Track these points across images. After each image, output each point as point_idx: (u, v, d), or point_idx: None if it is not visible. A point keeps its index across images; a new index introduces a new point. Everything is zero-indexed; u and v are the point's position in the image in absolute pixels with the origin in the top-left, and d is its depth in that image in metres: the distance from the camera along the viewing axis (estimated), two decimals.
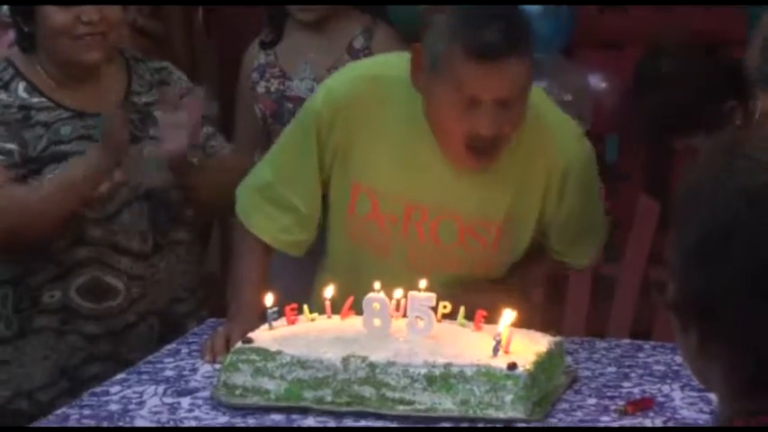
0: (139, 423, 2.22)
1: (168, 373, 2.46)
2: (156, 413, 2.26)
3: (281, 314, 2.41)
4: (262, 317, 2.45)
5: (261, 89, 3.41)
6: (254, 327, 2.44)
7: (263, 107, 3.41)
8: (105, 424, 2.22)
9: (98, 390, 2.38)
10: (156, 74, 2.82)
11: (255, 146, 3.46)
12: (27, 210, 2.60)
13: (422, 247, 2.54)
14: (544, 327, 2.51)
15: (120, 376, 2.45)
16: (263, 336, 2.34)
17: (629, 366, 2.47)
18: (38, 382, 2.70)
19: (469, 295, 2.45)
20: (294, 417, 2.22)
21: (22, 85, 2.69)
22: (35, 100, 2.69)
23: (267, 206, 2.60)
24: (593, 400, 2.30)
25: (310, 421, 2.20)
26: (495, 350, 2.22)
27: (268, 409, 2.24)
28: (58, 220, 2.63)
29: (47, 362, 2.70)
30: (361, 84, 2.54)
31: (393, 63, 2.55)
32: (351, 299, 2.41)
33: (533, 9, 4.10)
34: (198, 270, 2.90)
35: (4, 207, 2.58)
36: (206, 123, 2.84)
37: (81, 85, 2.72)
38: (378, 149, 2.51)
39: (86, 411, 2.28)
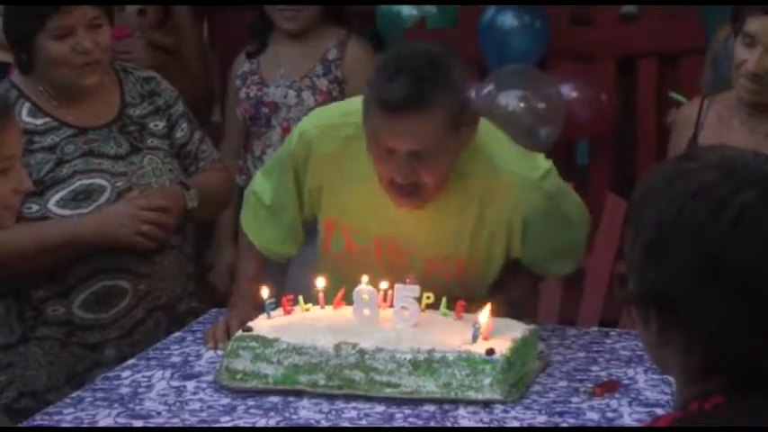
0: (148, 405, 2.22)
1: (175, 358, 2.46)
2: (163, 395, 2.27)
3: (278, 305, 2.41)
4: (258, 306, 2.46)
5: (242, 94, 3.44)
6: (250, 315, 2.45)
7: (243, 111, 3.44)
8: (117, 406, 2.22)
9: (110, 374, 2.39)
10: (146, 84, 2.77)
11: (240, 147, 3.49)
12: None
13: (398, 270, 2.42)
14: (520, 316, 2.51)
15: (130, 362, 2.45)
16: (261, 324, 2.34)
17: (597, 352, 2.47)
18: (43, 384, 2.64)
19: None
20: (290, 399, 2.22)
21: (26, 108, 2.64)
22: (39, 121, 2.63)
23: (262, 214, 2.60)
24: (564, 383, 2.30)
25: (305, 403, 2.21)
26: (475, 337, 2.23)
27: (266, 392, 2.24)
28: (42, 268, 2.58)
29: (51, 367, 2.64)
30: (330, 130, 2.44)
31: (360, 109, 2.42)
32: (342, 290, 2.41)
33: (510, 24, 4.11)
34: (189, 271, 2.84)
35: None
36: (196, 129, 2.82)
37: (80, 102, 2.67)
38: (347, 189, 2.44)
39: (99, 394, 2.28)
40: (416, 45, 2.33)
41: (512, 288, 2.60)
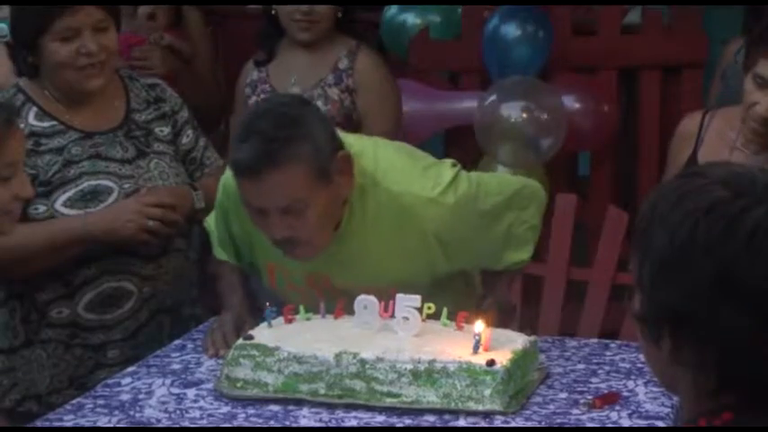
0: (148, 412, 2.22)
1: (175, 366, 2.46)
2: (163, 403, 2.26)
3: (279, 313, 2.40)
4: (249, 311, 2.49)
5: (251, 102, 3.43)
6: (243, 318, 2.48)
7: None
8: (117, 413, 2.22)
9: (110, 381, 2.39)
10: (152, 90, 2.78)
11: None
12: (3, 257, 2.52)
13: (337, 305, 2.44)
14: (521, 326, 2.51)
15: (130, 369, 2.45)
16: (262, 333, 2.34)
17: (597, 363, 2.47)
18: (46, 387, 2.64)
19: None
20: (290, 408, 2.22)
21: (33, 112, 2.64)
22: (46, 124, 2.64)
23: (218, 243, 2.65)
24: (564, 395, 2.30)
25: (305, 412, 2.21)
26: (476, 348, 2.23)
27: (266, 401, 2.24)
28: (51, 267, 2.59)
29: (55, 369, 2.65)
30: None
31: None
32: (342, 300, 2.41)
33: (513, 34, 4.11)
34: (193, 276, 2.86)
35: None
36: (200, 136, 2.84)
37: (86, 106, 2.67)
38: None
39: (100, 401, 2.28)
40: (270, 103, 2.34)
41: (493, 292, 2.62)
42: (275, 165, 2.22)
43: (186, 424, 2.17)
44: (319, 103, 3.32)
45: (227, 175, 2.49)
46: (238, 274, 2.66)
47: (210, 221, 2.67)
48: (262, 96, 3.40)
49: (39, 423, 2.20)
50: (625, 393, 2.29)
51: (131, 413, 2.22)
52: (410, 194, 2.38)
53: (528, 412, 2.20)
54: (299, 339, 2.29)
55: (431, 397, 2.18)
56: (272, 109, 2.30)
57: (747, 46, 2.73)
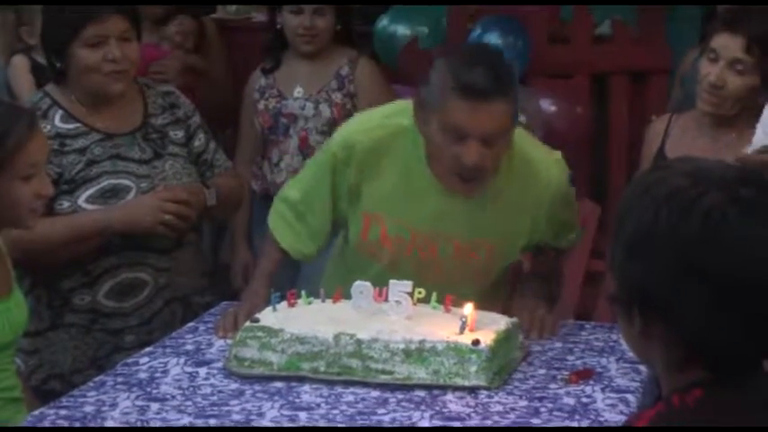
0: (164, 389, 2.26)
1: (188, 347, 2.49)
2: (178, 380, 2.30)
3: (283, 298, 2.45)
4: (266, 301, 2.51)
5: (261, 106, 3.54)
6: (257, 309, 2.50)
7: (261, 121, 3.54)
8: (135, 389, 2.26)
9: (129, 360, 2.43)
10: (167, 97, 2.85)
11: (255, 155, 3.58)
12: (32, 248, 2.55)
13: (424, 264, 2.53)
14: (505, 310, 2.54)
15: (148, 349, 2.49)
16: (267, 316, 2.37)
17: (573, 342, 2.50)
18: (69, 367, 2.71)
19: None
20: (293, 384, 2.26)
21: (58, 115, 2.71)
22: (71, 126, 2.70)
23: (289, 215, 2.66)
24: (542, 371, 2.33)
25: (306, 388, 2.24)
26: (462, 329, 2.27)
27: (271, 378, 2.28)
28: (76, 257, 2.65)
29: (77, 351, 2.72)
30: (371, 134, 2.51)
31: (400, 111, 2.52)
32: (340, 288, 2.46)
33: (494, 43, 4.18)
34: (204, 266, 2.93)
35: (15, 239, 2.41)
36: (211, 140, 2.90)
37: (108, 110, 2.74)
38: (385, 185, 2.50)
39: (119, 379, 2.32)
40: (481, 45, 2.45)
41: (539, 265, 2.71)
42: (503, 93, 2.30)
43: (198, 400, 2.20)
44: (324, 107, 3.44)
45: (349, 130, 2.56)
46: (274, 265, 2.67)
47: (289, 191, 2.66)
48: (270, 100, 3.51)
49: (64, 399, 2.24)
50: (598, 369, 2.33)
51: (148, 390, 2.26)
52: (541, 155, 2.52)
53: (510, 387, 2.24)
54: (301, 322, 2.33)
55: (421, 374, 2.22)
56: (490, 48, 2.48)
57: (704, 35, 2.82)
